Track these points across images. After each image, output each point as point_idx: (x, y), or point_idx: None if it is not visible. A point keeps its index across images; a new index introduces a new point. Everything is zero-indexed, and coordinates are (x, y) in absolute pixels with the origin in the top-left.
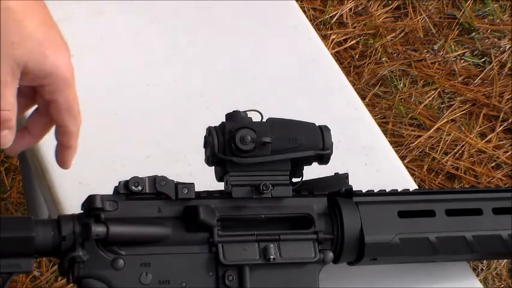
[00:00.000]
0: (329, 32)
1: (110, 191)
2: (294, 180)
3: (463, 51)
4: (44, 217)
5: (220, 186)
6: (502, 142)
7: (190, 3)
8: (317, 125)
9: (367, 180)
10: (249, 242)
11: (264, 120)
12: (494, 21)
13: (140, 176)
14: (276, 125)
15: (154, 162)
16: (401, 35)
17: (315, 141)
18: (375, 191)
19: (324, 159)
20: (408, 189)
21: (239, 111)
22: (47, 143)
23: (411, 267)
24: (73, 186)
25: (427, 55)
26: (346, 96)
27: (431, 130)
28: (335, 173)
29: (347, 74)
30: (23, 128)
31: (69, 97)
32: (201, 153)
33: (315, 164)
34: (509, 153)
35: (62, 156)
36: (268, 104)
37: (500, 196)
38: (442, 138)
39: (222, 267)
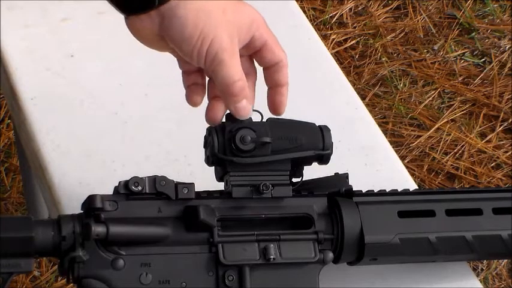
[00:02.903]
0: (329, 32)
1: (110, 191)
2: (294, 180)
3: (463, 51)
4: (44, 217)
5: (220, 186)
6: (502, 142)
7: None
8: (317, 125)
9: (367, 180)
10: (249, 242)
11: (264, 120)
12: (494, 21)
13: (140, 176)
14: (276, 125)
15: (154, 162)
16: (401, 35)
17: (315, 141)
18: (375, 191)
19: (324, 159)
20: (408, 189)
21: None
22: (47, 143)
23: (411, 267)
24: (73, 186)
25: (427, 55)
26: (346, 96)
27: (431, 130)
28: (335, 173)
29: (347, 74)
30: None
31: (270, 33)
32: (201, 153)
33: (315, 164)
34: (509, 153)
35: (277, 99)
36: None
37: (500, 196)
38: (442, 138)
39: (222, 267)
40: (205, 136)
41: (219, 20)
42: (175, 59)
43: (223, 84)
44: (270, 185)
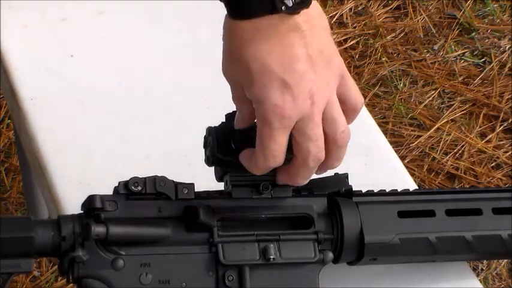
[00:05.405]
0: None
1: (110, 191)
2: None
3: (463, 51)
4: (44, 217)
5: (220, 186)
6: (502, 142)
7: (190, 3)
8: None
9: (367, 180)
10: (249, 242)
11: None
12: (494, 21)
13: (140, 176)
14: None
15: (154, 162)
16: (401, 35)
17: None
18: (375, 191)
19: None
20: (408, 189)
21: None
22: (47, 143)
23: (411, 267)
24: (73, 186)
25: (427, 55)
26: None
27: (431, 130)
28: (335, 173)
29: None
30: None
31: (263, 134)
32: (201, 153)
33: None
34: (509, 153)
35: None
36: None
37: (500, 196)
38: (442, 138)
39: (222, 267)
40: (205, 136)
41: None
42: (175, 59)
43: None
44: (270, 185)
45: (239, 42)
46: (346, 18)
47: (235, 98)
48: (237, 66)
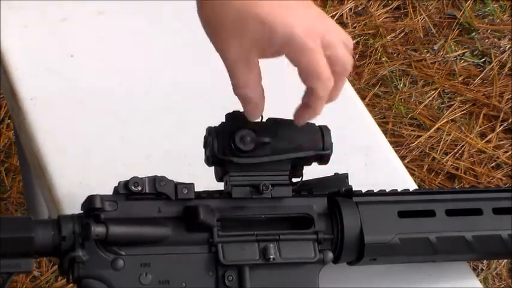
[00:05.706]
0: None
1: (110, 191)
2: (294, 180)
3: (463, 51)
4: (44, 217)
5: (220, 186)
6: (502, 142)
7: (190, 3)
8: (317, 125)
9: (367, 180)
10: (248, 242)
11: (264, 120)
12: (494, 21)
13: (140, 176)
14: (276, 125)
15: (154, 162)
16: (401, 35)
17: (315, 142)
18: (375, 191)
19: (324, 159)
20: (408, 189)
21: (239, 111)
22: (47, 143)
23: (411, 267)
24: (73, 186)
25: (427, 55)
26: (346, 97)
27: (431, 130)
28: (335, 173)
29: None
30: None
31: (309, 60)
32: (201, 153)
33: (314, 164)
34: (509, 153)
35: (301, 112)
36: (268, 104)
37: (500, 196)
38: (442, 138)
39: (221, 267)
40: (205, 136)
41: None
42: (175, 59)
43: None
44: (270, 185)
45: (236, 9)
46: (346, 18)
47: (244, 86)
48: (246, 31)
